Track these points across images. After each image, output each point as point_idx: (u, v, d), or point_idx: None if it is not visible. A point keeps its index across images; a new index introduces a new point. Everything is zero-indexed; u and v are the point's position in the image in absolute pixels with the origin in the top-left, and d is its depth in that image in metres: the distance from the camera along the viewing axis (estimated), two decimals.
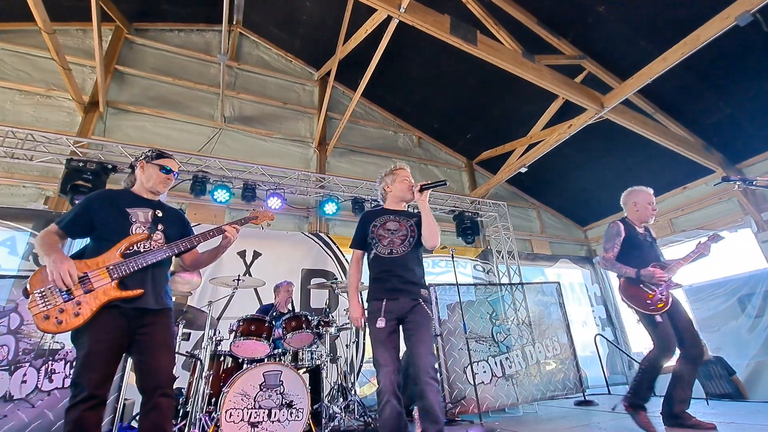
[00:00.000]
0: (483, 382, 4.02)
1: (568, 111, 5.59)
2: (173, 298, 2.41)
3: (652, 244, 3.12)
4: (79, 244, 2.14)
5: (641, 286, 2.90)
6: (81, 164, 4.18)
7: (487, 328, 4.40)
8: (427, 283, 2.36)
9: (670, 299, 2.85)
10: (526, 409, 4.41)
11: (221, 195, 4.77)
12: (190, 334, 3.94)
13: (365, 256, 2.46)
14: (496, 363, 4.26)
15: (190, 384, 3.18)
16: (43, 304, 1.89)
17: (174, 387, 2.18)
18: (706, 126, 5.72)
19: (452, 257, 3.99)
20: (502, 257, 6.50)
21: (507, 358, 4.36)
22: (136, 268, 2.01)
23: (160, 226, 2.22)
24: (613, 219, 7.70)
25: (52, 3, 3.92)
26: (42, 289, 1.91)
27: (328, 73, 6.19)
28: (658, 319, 2.78)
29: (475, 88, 6.25)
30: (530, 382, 4.46)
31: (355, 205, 5.63)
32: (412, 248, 2.32)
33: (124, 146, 4.54)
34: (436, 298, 4.24)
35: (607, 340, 7.00)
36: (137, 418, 3.42)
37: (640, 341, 7.82)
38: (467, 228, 6.33)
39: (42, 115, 4.79)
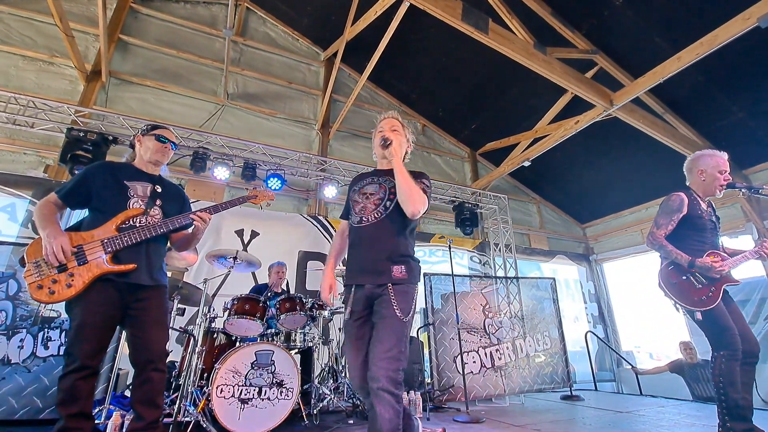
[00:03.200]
0: (472, 372, 4.08)
1: (576, 106, 5.51)
2: (169, 274, 2.42)
3: (715, 226, 2.57)
4: (78, 215, 2.14)
5: (690, 276, 2.42)
6: (81, 134, 4.15)
7: (480, 320, 4.44)
8: (412, 255, 1.83)
9: (720, 296, 2.36)
10: (512, 400, 4.48)
11: (221, 172, 4.75)
12: (185, 309, 3.98)
13: None
14: (486, 354, 4.31)
15: (183, 358, 3.23)
16: (37, 274, 1.91)
17: (167, 360, 2.21)
18: (716, 129, 5.65)
19: (449, 248, 4.00)
20: (500, 250, 6.52)
21: (497, 350, 4.42)
22: (130, 243, 2.02)
23: (158, 202, 2.22)
24: (614, 218, 7.87)
25: None
26: (37, 260, 1.93)
27: (335, 55, 6.09)
28: (698, 316, 2.36)
29: (482, 78, 6.16)
30: (519, 374, 4.53)
31: None
32: (388, 214, 1.81)
33: (126, 118, 4.51)
34: (431, 287, 4.26)
35: (598, 337, 7.08)
36: (130, 387, 3.51)
37: (631, 340, 7.93)
38: (466, 219, 6.32)
39: (44, 82, 4.73)
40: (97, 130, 4.32)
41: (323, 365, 3.92)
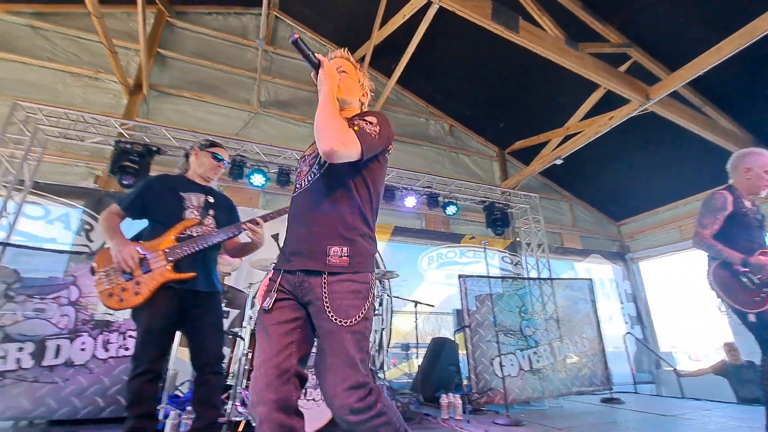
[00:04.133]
0: (510, 375, 4.05)
1: (610, 102, 5.37)
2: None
3: (761, 224, 2.51)
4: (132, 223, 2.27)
5: (740, 276, 2.34)
6: (128, 146, 4.36)
7: (517, 322, 4.40)
8: (365, 232, 1.34)
9: None
10: (551, 403, 4.42)
11: (257, 179, 4.89)
12: (228, 312, 4.13)
13: None
14: (523, 357, 4.27)
15: (230, 360, 3.35)
16: (107, 283, 2.05)
17: None
18: (758, 121, 5.40)
19: (484, 249, 3.98)
20: (531, 250, 6.42)
21: (535, 353, 4.37)
22: (189, 253, 2.13)
23: (211, 212, 2.33)
24: (650, 215, 7.61)
25: None
26: (107, 269, 2.06)
27: (362, 59, 6.14)
28: (752, 318, 2.27)
29: (509, 75, 6.08)
30: (557, 376, 4.46)
31: (386, 192, 5.65)
32: (324, 171, 1.38)
33: (167, 129, 4.70)
34: (466, 290, 4.26)
35: (637, 338, 6.87)
36: (179, 387, 3.67)
37: (669, 341, 7.65)
38: (497, 219, 6.27)
39: (90, 96, 4.99)
40: (141, 141, 4.53)
41: None
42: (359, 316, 1.24)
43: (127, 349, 3.15)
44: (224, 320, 4.07)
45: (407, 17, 5.14)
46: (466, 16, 4.12)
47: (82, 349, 3.07)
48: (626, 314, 7.54)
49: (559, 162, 6.31)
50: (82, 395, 3.00)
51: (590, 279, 5.23)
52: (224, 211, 2.44)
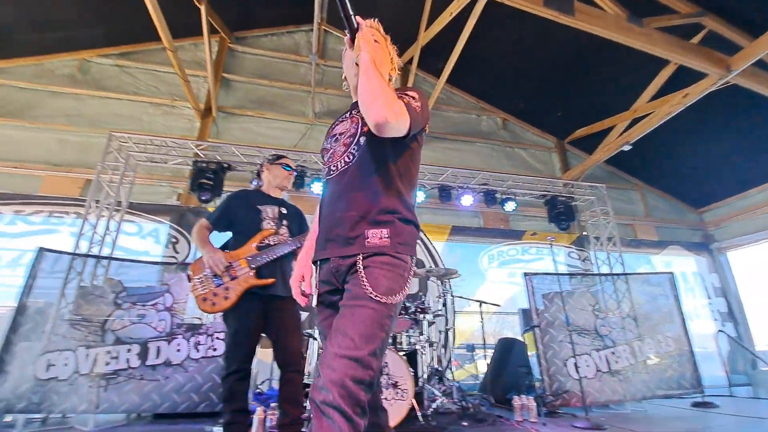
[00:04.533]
0: (586, 376, 3.85)
1: (682, 77, 4.90)
2: None
3: None
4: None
5: None
6: (203, 164, 4.79)
7: (590, 321, 4.17)
8: (405, 216, 1.24)
9: None
10: (633, 406, 4.14)
11: (318, 187, 5.13)
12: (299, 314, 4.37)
13: None
14: (600, 357, 4.04)
15: (304, 359, 3.55)
16: (202, 288, 2.29)
17: None
18: None
19: (551, 245, 3.83)
20: (601, 244, 6.04)
21: (613, 353, 4.11)
22: (268, 260, 2.32)
23: (284, 222, 2.52)
24: (738, 199, 6.81)
25: (169, 22, 4.46)
26: (200, 276, 2.31)
27: (409, 61, 6.19)
28: None
29: (564, 62, 5.79)
30: (639, 378, 4.16)
31: (442, 192, 5.65)
32: (362, 152, 1.28)
33: (235, 147, 5.09)
34: (533, 288, 4.12)
35: (730, 336, 6.19)
36: (259, 386, 3.95)
37: (762, 338, 6.78)
38: (560, 213, 5.98)
39: (169, 123, 5.56)
40: (214, 159, 4.95)
41: (428, 367, 4.00)
42: (390, 292, 1.11)
43: (215, 349, 3.46)
44: None
45: (454, 14, 5.10)
46: (516, 5, 4.01)
47: (178, 350, 3.43)
48: (715, 310, 6.81)
49: (627, 148, 5.88)
50: (180, 391, 3.34)
51: (671, 272, 4.80)
52: (295, 221, 2.62)
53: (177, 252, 4.80)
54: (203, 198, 4.69)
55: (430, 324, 3.92)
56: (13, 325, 3.27)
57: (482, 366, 5.12)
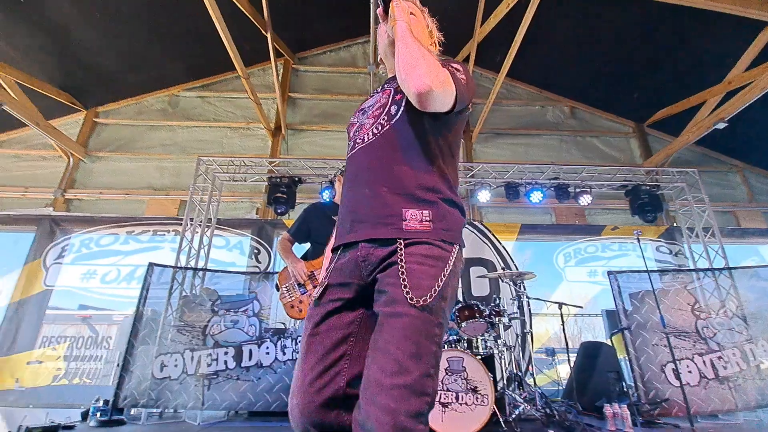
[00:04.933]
0: (689, 384, 3.48)
1: None
2: None
3: None
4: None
5: None
6: (277, 180, 5.16)
7: (690, 322, 3.76)
8: (448, 197, 1.05)
9: None
10: (746, 415, 3.66)
11: None
12: None
13: None
14: (704, 362, 3.62)
15: None
16: (288, 297, 2.48)
17: None
18: None
19: (638, 240, 3.53)
20: (696, 235, 5.40)
21: (720, 357, 3.66)
22: None
23: None
24: None
25: (240, 52, 4.87)
26: (287, 284, 2.50)
27: (466, 59, 6.09)
28: None
29: (638, 38, 5.29)
30: (752, 385, 3.66)
31: (508, 190, 5.46)
32: (395, 121, 1.10)
33: (304, 160, 5.41)
34: (619, 287, 3.82)
35: None
36: None
37: None
38: (645, 204, 5.47)
39: (245, 143, 6.08)
40: (286, 174, 5.30)
41: (506, 372, 3.90)
42: (435, 293, 0.91)
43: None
44: None
45: (511, 5, 4.94)
46: None
47: (267, 353, 3.72)
48: None
49: (721, 126, 5.20)
50: (271, 391, 3.62)
51: None
52: None
53: (259, 262, 5.21)
54: (279, 211, 5.05)
55: (507, 327, 3.82)
56: (133, 331, 3.79)
57: (564, 371, 4.85)
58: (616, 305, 3.78)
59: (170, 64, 5.97)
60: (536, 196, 5.41)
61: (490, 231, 5.48)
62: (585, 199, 5.47)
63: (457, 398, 3.03)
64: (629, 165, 6.07)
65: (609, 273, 3.89)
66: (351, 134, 1.23)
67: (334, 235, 1.19)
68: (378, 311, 0.93)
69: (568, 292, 5.42)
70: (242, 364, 3.71)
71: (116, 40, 5.22)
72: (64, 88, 5.65)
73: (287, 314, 2.47)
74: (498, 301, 3.70)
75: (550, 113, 6.85)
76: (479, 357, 3.60)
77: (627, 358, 3.74)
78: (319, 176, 5.34)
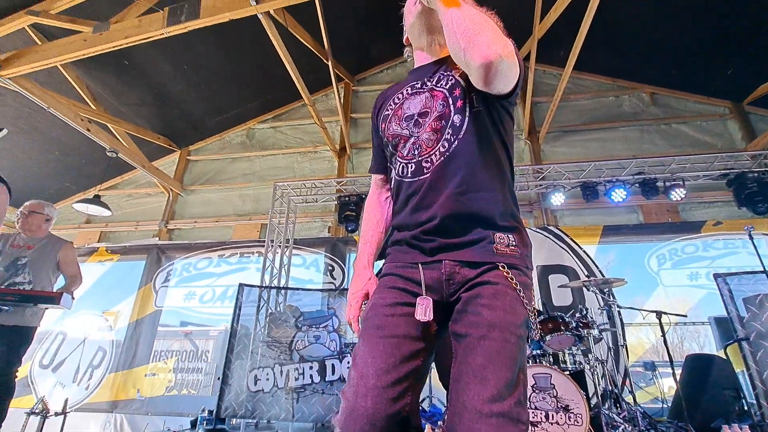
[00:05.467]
0: None
1: None
2: None
3: None
4: None
5: None
6: (346, 198, 5.39)
7: None
8: (520, 220, 1.06)
9: None
10: None
11: None
12: None
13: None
14: None
15: None
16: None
17: None
18: None
19: (749, 236, 3.10)
20: None
21: None
22: None
23: None
24: None
25: (304, 81, 5.20)
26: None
27: (526, 58, 5.87)
28: None
29: (728, 7, 4.68)
30: None
31: (585, 190, 5.10)
32: (463, 135, 1.02)
33: (368, 179, 5.58)
34: (729, 291, 3.37)
35: None
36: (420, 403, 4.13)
37: None
38: (754, 193, 4.76)
39: (315, 166, 6.46)
40: (354, 193, 5.52)
41: (599, 388, 3.60)
42: (527, 316, 0.93)
43: None
44: None
45: None
46: None
47: (348, 368, 3.86)
48: None
49: None
50: None
51: None
52: None
53: (334, 278, 5.46)
54: (349, 228, 5.26)
55: (597, 340, 3.54)
56: (229, 346, 4.18)
57: (667, 387, 4.35)
58: (727, 312, 3.33)
59: (246, 102, 6.59)
60: (618, 195, 4.99)
61: (567, 235, 5.15)
62: (677, 194, 4.92)
63: (547, 417, 2.87)
64: (729, 150, 5.34)
65: (716, 276, 3.45)
66: (402, 150, 1.09)
67: (390, 256, 1.12)
68: (464, 332, 0.91)
69: (665, 298, 4.87)
70: (326, 379, 3.89)
71: (201, 88, 5.92)
72: (162, 133, 6.51)
73: (353, 330, 2.60)
74: (585, 312, 3.46)
75: (626, 103, 6.31)
76: (568, 373, 3.38)
77: (746, 372, 3.26)
78: None
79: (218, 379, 4.20)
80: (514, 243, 0.98)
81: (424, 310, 0.94)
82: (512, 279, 0.93)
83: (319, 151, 6.55)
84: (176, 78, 5.63)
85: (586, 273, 4.86)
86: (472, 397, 0.82)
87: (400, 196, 1.09)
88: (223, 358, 4.19)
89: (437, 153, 1.03)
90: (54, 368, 5.79)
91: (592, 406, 3.24)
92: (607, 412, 3.12)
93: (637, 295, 4.96)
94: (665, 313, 3.34)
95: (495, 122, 1.04)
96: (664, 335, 3.31)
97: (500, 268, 0.94)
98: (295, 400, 3.89)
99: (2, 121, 5.16)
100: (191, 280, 6.03)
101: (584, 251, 5.05)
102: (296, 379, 3.95)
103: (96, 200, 5.26)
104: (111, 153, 5.23)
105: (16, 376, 2.74)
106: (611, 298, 3.81)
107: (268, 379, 4.00)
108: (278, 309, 4.79)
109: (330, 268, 5.52)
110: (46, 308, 2.77)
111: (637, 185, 5.06)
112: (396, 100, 1.16)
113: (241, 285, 4.46)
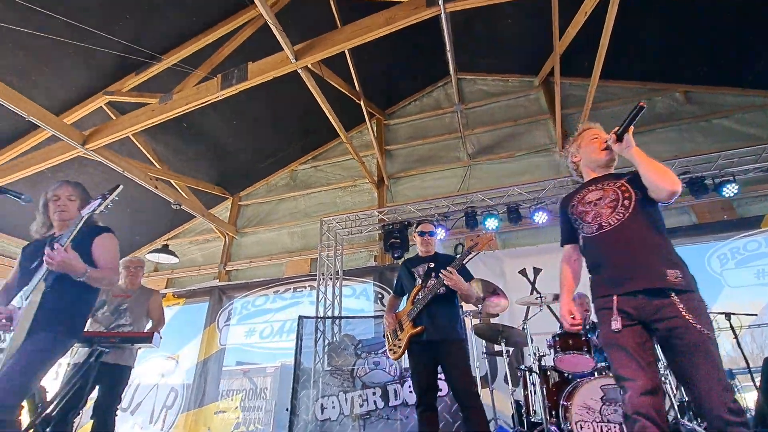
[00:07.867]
0: None
1: None
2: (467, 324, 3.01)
3: None
4: None
5: None
6: (389, 227, 5.62)
7: None
8: (683, 263, 1.57)
9: None
10: None
11: (491, 223, 5.31)
12: (509, 351, 4.44)
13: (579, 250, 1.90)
14: None
15: (526, 397, 3.57)
16: (389, 343, 2.84)
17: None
18: None
19: None
20: None
21: None
22: (417, 311, 2.67)
23: (432, 275, 2.78)
24: None
25: (339, 121, 5.59)
26: (388, 333, 2.86)
27: (550, 74, 6.02)
28: None
29: None
30: None
31: None
32: (631, 212, 1.62)
33: (409, 204, 5.82)
34: None
35: None
36: None
37: None
38: None
39: (356, 199, 6.80)
40: (396, 220, 5.75)
41: (675, 399, 3.45)
42: (713, 332, 1.42)
43: (440, 390, 3.83)
44: (500, 358, 4.37)
45: (589, 13, 4.84)
46: None
47: (410, 392, 3.94)
48: None
49: None
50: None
51: None
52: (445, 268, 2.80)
53: (383, 305, 5.61)
54: (395, 255, 5.46)
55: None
56: (295, 377, 4.38)
57: (749, 397, 4.06)
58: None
59: (288, 147, 7.13)
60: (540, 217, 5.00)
61: None
62: (730, 189, 4.76)
63: (621, 430, 2.81)
64: None
65: None
66: (587, 219, 1.73)
67: (567, 290, 1.87)
68: (678, 347, 1.42)
69: (732, 300, 4.62)
70: (390, 404, 3.98)
71: (248, 137, 6.50)
72: (216, 182, 7.13)
73: (391, 357, 2.83)
74: None
75: (659, 104, 6.24)
76: None
77: None
78: (426, 216, 5.66)
79: (286, 410, 4.38)
80: (681, 275, 1.51)
81: (618, 323, 1.55)
82: (686, 301, 1.48)
83: (358, 184, 6.90)
84: (227, 132, 6.23)
85: None
86: (715, 399, 1.34)
87: (589, 249, 1.81)
88: (287, 393, 4.35)
89: (613, 218, 1.70)
90: (132, 411, 6.21)
91: (670, 418, 3.13)
92: (687, 423, 3.00)
93: (704, 298, 4.73)
94: (734, 314, 3.22)
95: (654, 204, 1.68)
96: (736, 336, 3.18)
97: (673, 298, 1.48)
98: (362, 427, 3.99)
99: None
100: (250, 318, 6.38)
101: None
102: (360, 406, 4.06)
103: (165, 249, 5.80)
104: (175, 206, 5.79)
105: (117, 415, 3.05)
106: None
107: (334, 407, 4.14)
108: (334, 339, 4.99)
109: (379, 296, 5.70)
110: (140, 348, 3.10)
111: (684, 185, 4.94)
112: (580, 195, 1.86)
113: (300, 317, 4.71)
